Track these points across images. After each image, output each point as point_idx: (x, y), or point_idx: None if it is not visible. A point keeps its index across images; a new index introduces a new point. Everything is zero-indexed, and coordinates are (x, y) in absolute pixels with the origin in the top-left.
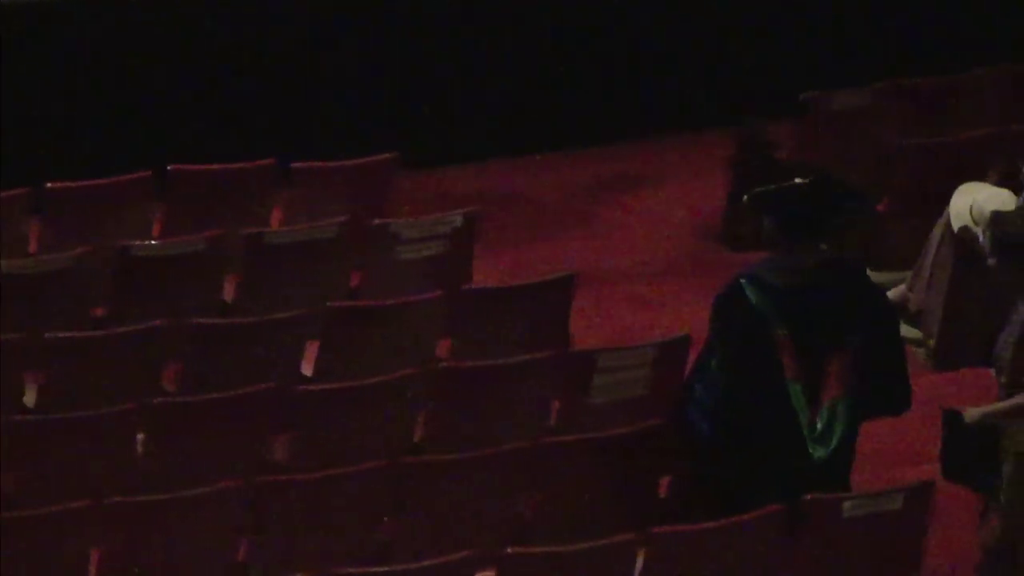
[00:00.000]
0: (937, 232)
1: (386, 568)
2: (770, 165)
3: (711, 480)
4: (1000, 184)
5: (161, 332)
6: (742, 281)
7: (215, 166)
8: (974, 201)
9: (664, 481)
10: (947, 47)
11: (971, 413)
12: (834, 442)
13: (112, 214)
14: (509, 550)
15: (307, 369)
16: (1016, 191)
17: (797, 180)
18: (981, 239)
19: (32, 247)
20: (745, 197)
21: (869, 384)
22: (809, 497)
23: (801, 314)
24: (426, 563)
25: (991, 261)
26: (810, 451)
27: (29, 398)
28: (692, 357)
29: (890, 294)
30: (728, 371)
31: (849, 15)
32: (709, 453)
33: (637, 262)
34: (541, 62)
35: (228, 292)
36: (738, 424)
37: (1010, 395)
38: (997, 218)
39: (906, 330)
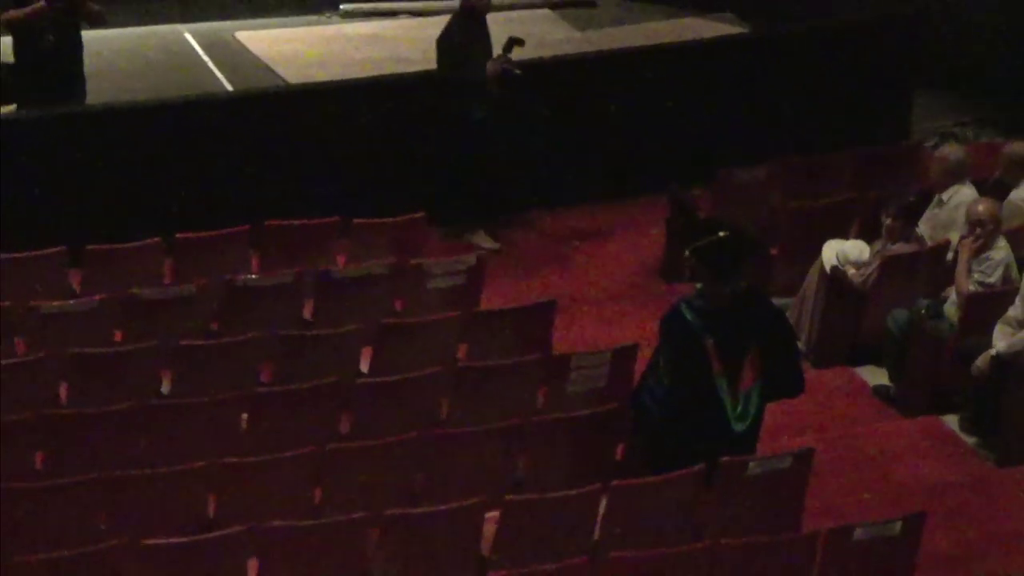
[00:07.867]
0: (813, 273)
1: (420, 509)
2: (693, 221)
3: (657, 447)
4: (859, 236)
5: (258, 342)
6: (681, 305)
7: (296, 221)
8: (839, 249)
9: (620, 448)
10: (819, 134)
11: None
12: (750, 419)
13: (222, 257)
14: (508, 497)
15: (364, 367)
16: (870, 242)
17: (720, 233)
18: (849, 275)
19: (167, 279)
20: (686, 252)
21: (773, 375)
22: (725, 459)
23: (723, 328)
24: (447, 507)
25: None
26: (732, 426)
27: (164, 387)
28: (641, 359)
29: None
30: (672, 370)
31: (749, 111)
32: (657, 428)
33: (599, 291)
34: (525, 148)
35: (307, 312)
36: (679, 408)
37: None
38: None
39: None
